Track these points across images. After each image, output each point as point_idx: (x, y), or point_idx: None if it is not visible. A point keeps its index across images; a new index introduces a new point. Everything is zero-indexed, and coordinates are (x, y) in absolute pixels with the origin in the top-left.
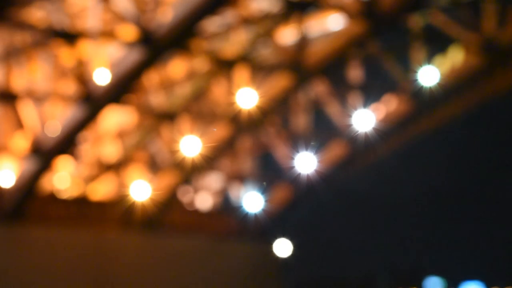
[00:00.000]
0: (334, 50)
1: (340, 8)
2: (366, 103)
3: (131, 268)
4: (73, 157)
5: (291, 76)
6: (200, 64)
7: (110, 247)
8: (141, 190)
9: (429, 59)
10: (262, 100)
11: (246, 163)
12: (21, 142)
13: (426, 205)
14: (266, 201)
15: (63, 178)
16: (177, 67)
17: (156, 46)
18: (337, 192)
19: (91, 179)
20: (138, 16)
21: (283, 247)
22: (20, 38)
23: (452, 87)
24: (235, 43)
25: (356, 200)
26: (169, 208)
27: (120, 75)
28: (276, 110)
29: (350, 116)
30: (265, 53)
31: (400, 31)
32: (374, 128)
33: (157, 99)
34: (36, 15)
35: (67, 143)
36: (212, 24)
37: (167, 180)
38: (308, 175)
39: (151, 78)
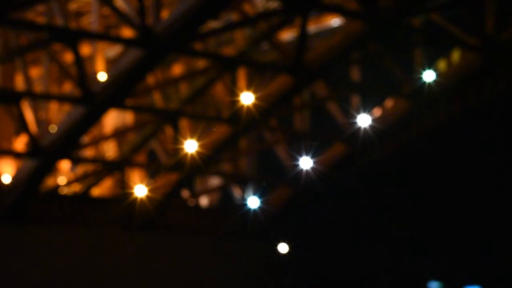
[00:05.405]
0: (335, 49)
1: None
2: (366, 103)
3: (131, 267)
4: (73, 157)
5: (291, 75)
6: (200, 63)
7: (110, 246)
8: (142, 189)
9: (429, 59)
10: (262, 99)
11: (246, 163)
12: (22, 142)
13: (427, 209)
14: (266, 200)
15: (63, 177)
16: (177, 66)
17: (156, 46)
18: (337, 193)
19: (91, 178)
20: (138, 16)
21: (283, 247)
22: (21, 39)
23: (452, 87)
24: (235, 42)
25: (357, 201)
26: (169, 208)
27: (120, 75)
28: (276, 110)
29: (350, 115)
30: (265, 52)
31: (401, 31)
32: (374, 128)
33: (157, 99)
34: (37, 15)
35: (67, 143)
36: (212, 23)
37: (167, 179)
38: (308, 175)
39: (151, 78)
